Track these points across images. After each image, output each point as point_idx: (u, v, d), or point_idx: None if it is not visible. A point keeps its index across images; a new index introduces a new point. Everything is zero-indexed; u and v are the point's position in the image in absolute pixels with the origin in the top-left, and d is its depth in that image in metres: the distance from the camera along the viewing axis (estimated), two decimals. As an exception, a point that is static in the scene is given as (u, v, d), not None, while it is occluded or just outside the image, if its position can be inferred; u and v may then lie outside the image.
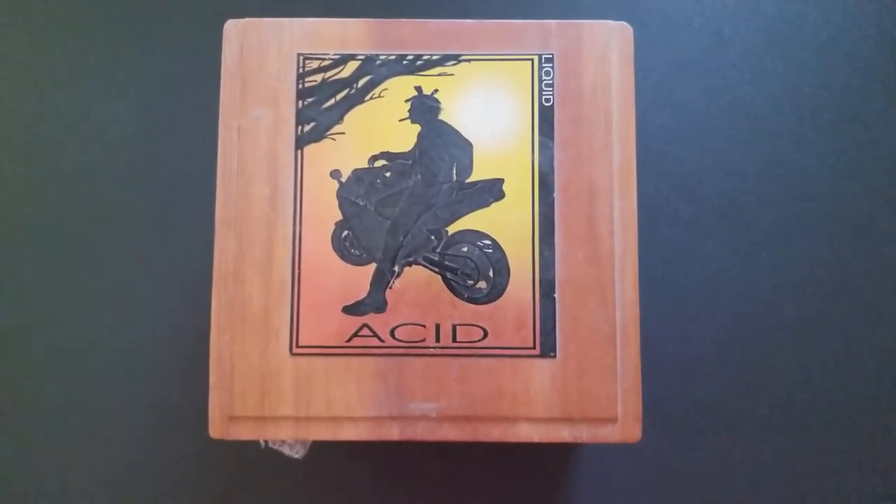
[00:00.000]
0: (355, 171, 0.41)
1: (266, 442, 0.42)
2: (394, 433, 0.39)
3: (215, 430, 0.39)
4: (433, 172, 0.41)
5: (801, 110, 0.57)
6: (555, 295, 0.40)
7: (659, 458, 0.53)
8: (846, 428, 0.53)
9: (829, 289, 0.54)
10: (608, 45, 0.41)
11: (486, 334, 0.40)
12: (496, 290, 0.40)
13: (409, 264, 0.40)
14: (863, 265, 0.55)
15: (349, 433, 0.39)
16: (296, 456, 0.42)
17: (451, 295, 0.40)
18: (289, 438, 0.39)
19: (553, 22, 0.41)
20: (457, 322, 0.40)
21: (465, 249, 0.40)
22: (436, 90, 0.41)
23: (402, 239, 0.40)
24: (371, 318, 0.40)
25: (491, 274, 0.40)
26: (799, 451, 0.53)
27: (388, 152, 0.41)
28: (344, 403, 0.39)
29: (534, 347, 0.39)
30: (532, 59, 0.41)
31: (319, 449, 0.47)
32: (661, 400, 0.53)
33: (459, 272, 0.40)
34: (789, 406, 0.53)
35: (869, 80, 0.57)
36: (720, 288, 0.55)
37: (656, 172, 0.56)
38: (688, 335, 0.54)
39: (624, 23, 0.41)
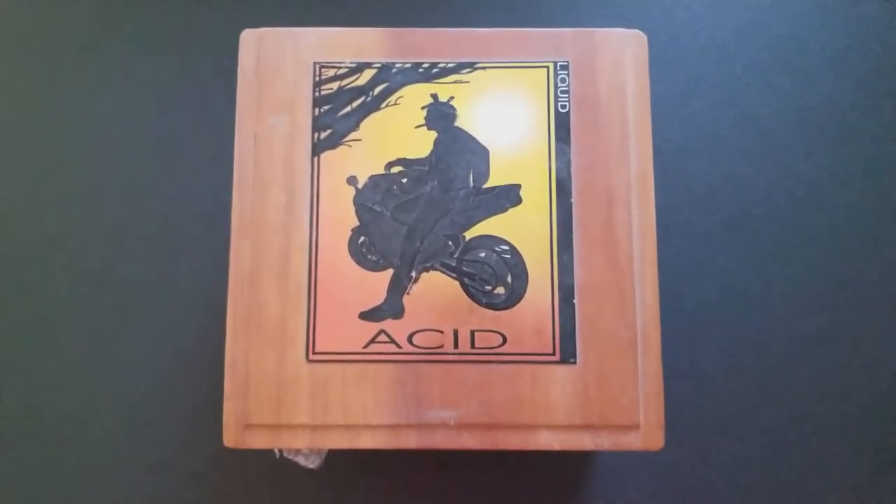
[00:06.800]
0: (372, 178, 0.41)
1: (281, 451, 0.41)
2: (411, 441, 0.38)
3: (230, 438, 0.38)
4: (450, 178, 0.41)
5: (808, 123, 0.57)
6: (574, 300, 0.39)
7: (673, 471, 0.52)
8: (862, 442, 0.52)
9: (841, 300, 0.54)
10: (623, 52, 0.41)
11: (504, 340, 0.39)
12: (514, 296, 0.39)
13: (427, 270, 0.40)
14: (873, 276, 0.54)
15: (366, 441, 0.38)
16: (311, 466, 0.41)
17: (469, 300, 0.39)
18: (304, 447, 0.38)
19: (568, 30, 0.42)
20: (475, 328, 0.39)
21: (482, 255, 0.40)
22: (451, 97, 0.41)
23: (419, 244, 0.40)
24: (388, 324, 0.39)
25: (509, 279, 0.40)
26: (815, 465, 0.52)
27: (404, 158, 0.41)
28: (361, 411, 0.38)
29: (553, 353, 0.39)
30: (547, 66, 0.41)
31: (335, 459, 0.46)
32: (675, 414, 0.52)
33: (477, 277, 0.40)
34: (804, 419, 0.52)
35: (874, 93, 0.57)
36: (733, 300, 0.54)
37: (666, 185, 0.56)
38: (701, 348, 0.54)
39: (638, 31, 0.42)
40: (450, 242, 0.40)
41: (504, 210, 0.40)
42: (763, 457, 0.52)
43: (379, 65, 0.42)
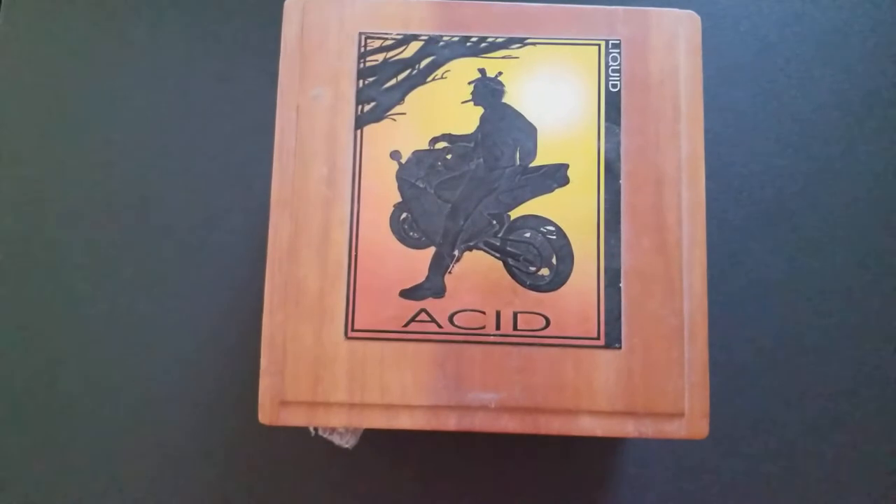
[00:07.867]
0: (415, 153, 0.40)
1: (316, 430, 0.40)
2: (451, 423, 0.37)
3: (265, 415, 0.37)
4: (496, 156, 0.40)
5: (848, 117, 0.56)
6: (620, 284, 0.38)
7: (702, 465, 0.51)
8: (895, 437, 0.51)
9: (877, 295, 0.53)
10: (676, 33, 0.40)
11: (548, 323, 0.38)
12: (559, 278, 0.39)
13: (470, 249, 0.39)
14: (913, 274, 0.54)
15: (404, 422, 0.37)
16: (346, 445, 0.40)
17: (513, 281, 0.39)
18: (341, 426, 0.38)
19: (620, 8, 0.41)
20: (518, 310, 0.38)
21: (527, 235, 0.39)
22: (500, 73, 0.40)
23: (462, 223, 0.39)
24: (429, 304, 0.38)
25: (554, 261, 0.39)
26: (846, 462, 0.51)
27: (449, 134, 0.40)
28: (400, 391, 0.38)
29: (598, 338, 0.38)
30: (599, 45, 0.40)
31: (370, 439, 0.45)
32: (707, 406, 0.52)
33: (521, 258, 0.39)
34: (837, 416, 0.52)
35: (916, 88, 0.56)
36: (767, 293, 0.53)
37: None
38: (734, 341, 0.53)
39: (691, 12, 0.41)
40: (494, 222, 0.39)
41: (551, 190, 0.39)
42: (793, 453, 0.51)
43: (426, 37, 0.41)
